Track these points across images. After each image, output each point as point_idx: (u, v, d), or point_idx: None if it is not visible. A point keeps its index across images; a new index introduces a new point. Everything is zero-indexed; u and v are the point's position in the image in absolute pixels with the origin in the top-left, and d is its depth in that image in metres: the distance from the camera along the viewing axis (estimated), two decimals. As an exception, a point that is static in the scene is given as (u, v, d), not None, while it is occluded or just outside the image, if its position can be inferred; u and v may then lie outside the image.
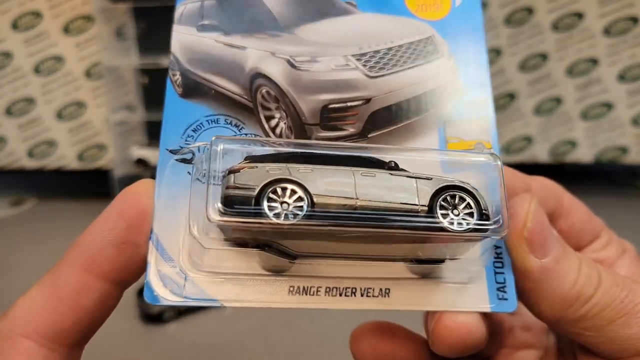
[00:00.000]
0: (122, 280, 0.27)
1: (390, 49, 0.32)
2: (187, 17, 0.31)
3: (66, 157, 2.30)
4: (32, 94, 2.22)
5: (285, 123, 0.30)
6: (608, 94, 2.23)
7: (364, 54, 0.31)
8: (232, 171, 0.25)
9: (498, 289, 0.29)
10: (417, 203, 0.27)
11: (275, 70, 0.30)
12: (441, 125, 0.31)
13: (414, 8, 0.32)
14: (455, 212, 0.27)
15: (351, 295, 0.28)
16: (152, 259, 0.27)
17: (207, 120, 0.29)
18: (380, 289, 0.28)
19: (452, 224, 0.27)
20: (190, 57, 0.31)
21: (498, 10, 2.15)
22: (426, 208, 0.27)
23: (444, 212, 0.27)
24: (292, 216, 0.25)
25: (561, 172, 2.68)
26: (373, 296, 0.28)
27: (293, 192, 0.25)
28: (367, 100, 0.31)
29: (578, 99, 2.23)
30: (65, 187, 2.53)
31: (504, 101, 2.24)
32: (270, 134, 0.30)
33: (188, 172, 0.28)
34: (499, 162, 0.30)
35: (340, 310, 0.27)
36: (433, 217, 0.27)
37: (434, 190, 0.27)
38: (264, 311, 1.39)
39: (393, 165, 0.27)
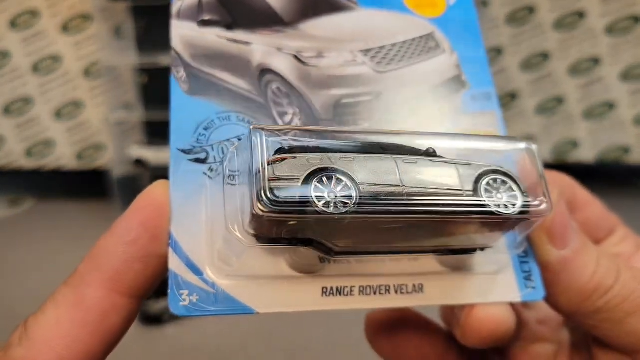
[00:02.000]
0: (146, 294, 0.26)
1: (394, 44, 0.32)
2: (186, 12, 0.30)
3: (64, 157, 2.30)
4: (30, 93, 2.22)
5: (299, 119, 0.29)
6: (610, 94, 2.22)
7: (370, 50, 0.31)
8: (270, 163, 0.23)
9: (525, 278, 0.29)
10: (462, 188, 0.26)
11: (284, 66, 0.29)
12: (450, 119, 0.32)
13: (411, 4, 0.32)
14: (499, 195, 0.27)
15: (385, 293, 0.27)
16: (174, 267, 0.25)
17: (218, 118, 0.27)
18: (414, 285, 0.27)
19: (498, 207, 0.26)
20: (194, 52, 0.30)
21: (499, 9, 2.14)
22: (471, 193, 0.27)
23: (489, 195, 0.27)
24: (342, 205, 0.23)
25: (563, 171, 2.67)
26: (407, 292, 0.27)
27: (339, 180, 0.24)
28: (378, 95, 0.31)
29: (580, 98, 2.23)
30: (64, 187, 2.52)
31: (505, 101, 2.24)
32: None
33: (204, 173, 0.26)
34: (534, 146, 0.30)
35: (362, 310, 0.26)
36: (480, 200, 0.26)
37: (476, 176, 0.27)
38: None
39: (431, 151, 0.27)
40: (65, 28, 2.16)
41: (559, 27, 2.16)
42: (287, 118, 0.29)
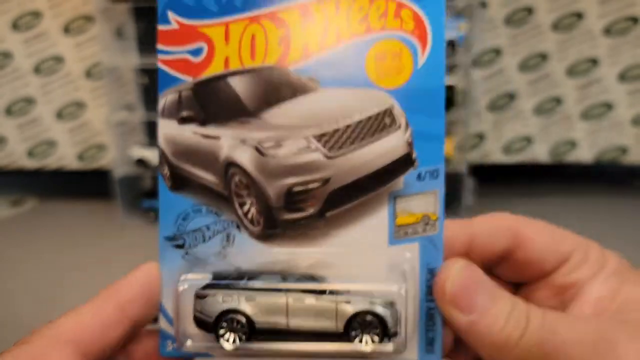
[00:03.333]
0: (140, 325, 0.32)
1: (349, 126, 0.33)
2: (169, 109, 0.33)
3: (66, 157, 2.31)
4: (32, 94, 2.23)
5: (255, 208, 0.33)
6: (608, 94, 2.23)
7: (324, 134, 0.33)
8: (198, 296, 0.32)
9: (427, 344, 0.33)
10: (334, 326, 0.32)
11: (245, 158, 0.33)
12: (392, 200, 0.33)
13: (374, 76, 0.32)
14: (366, 332, 0.32)
15: None
16: (162, 325, 0.33)
17: (192, 210, 0.32)
18: None
19: (363, 343, 0.32)
20: (174, 150, 0.34)
21: (498, 10, 2.15)
22: (342, 331, 0.32)
23: (356, 333, 0.32)
24: (238, 340, 0.32)
25: (561, 172, 2.69)
26: None
27: (238, 321, 0.32)
28: (326, 181, 0.33)
29: (578, 99, 2.24)
30: (65, 187, 2.53)
31: (503, 101, 2.25)
32: (244, 219, 0.33)
33: (182, 257, 0.32)
34: (403, 292, 0.33)
35: None
36: (347, 339, 0.32)
37: (348, 316, 0.32)
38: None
39: (319, 291, 0.32)
40: (67, 29, 2.17)
41: (557, 28, 2.17)
42: (245, 207, 0.33)
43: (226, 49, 0.32)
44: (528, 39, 2.18)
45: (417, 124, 0.32)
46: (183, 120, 0.33)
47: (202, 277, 0.32)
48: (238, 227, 0.32)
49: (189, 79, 0.32)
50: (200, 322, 0.32)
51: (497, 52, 2.20)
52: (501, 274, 0.36)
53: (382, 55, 0.32)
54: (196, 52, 0.32)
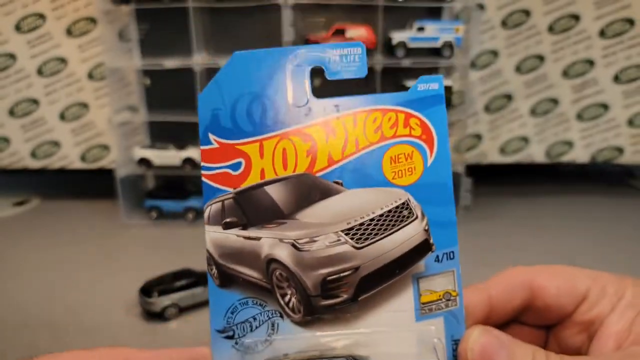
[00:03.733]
0: None
1: (372, 219, 0.38)
2: (213, 217, 0.37)
3: (69, 157, 2.33)
4: (36, 95, 2.25)
5: (295, 297, 0.36)
6: (604, 95, 2.25)
7: (351, 228, 0.37)
8: None
9: None
10: None
11: (284, 254, 0.36)
12: (415, 282, 0.37)
13: (390, 176, 0.37)
14: None
15: None
16: None
17: (239, 303, 0.36)
18: None
19: None
20: (221, 252, 0.37)
21: (495, 13, 2.17)
22: None
23: None
24: None
25: (557, 172, 2.70)
26: None
27: None
28: (356, 269, 0.36)
29: (574, 99, 2.26)
30: (68, 187, 2.55)
31: (500, 102, 2.27)
32: (286, 308, 0.36)
33: (232, 346, 0.36)
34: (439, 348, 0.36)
35: None
36: None
37: None
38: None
39: None
40: (70, 31, 2.19)
41: (553, 29, 2.19)
42: (287, 298, 0.37)
43: (261, 162, 0.36)
44: (525, 40, 2.20)
45: (431, 214, 0.37)
46: (227, 226, 0.37)
47: None
48: (281, 315, 0.36)
49: (230, 190, 0.36)
50: None
51: (494, 53, 2.22)
52: (526, 321, 0.39)
53: (396, 157, 0.37)
54: (235, 167, 0.36)
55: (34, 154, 2.32)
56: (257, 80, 0.36)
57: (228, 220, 0.37)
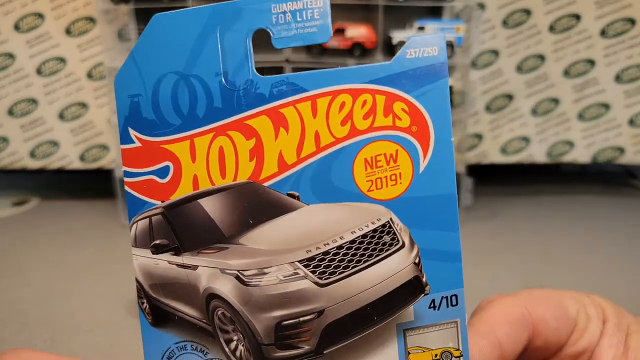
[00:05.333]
0: None
1: (340, 247, 0.28)
2: (141, 238, 0.29)
3: (68, 157, 2.32)
4: (34, 94, 2.24)
5: (243, 345, 0.28)
6: (605, 95, 2.25)
7: (312, 259, 0.28)
8: None
9: None
10: None
11: (226, 289, 0.28)
12: (401, 335, 0.28)
13: (365, 187, 0.27)
14: None
15: None
16: None
17: (177, 347, 0.29)
18: None
19: None
20: (151, 282, 0.30)
21: (496, 12, 2.17)
22: None
23: None
24: None
25: (558, 172, 2.70)
26: None
27: None
28: (320, 313, 0.28)
29: (575, 99, 2.25)
30: (67, 187, 2.55)
31: (501, 102, 2.26)
32: (232, 357, 0.29)
33: None
34: None
35: None
36: None
37: None
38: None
39: None
40: (69, 30, 2.18)
41: (554, 29, 2.19)
42: (233, 345, 0.29)
43: (193, 166, 0.28)
44: (525, 39, 2.20)
45: (426, 241, 0.27)
46: (156, 249, 0.30)
47: None
48: None
49: (158, 203, 0.28)
50: None
51: (495, 53, 2.21)
52: (525, 358, 0.34)
53: (373, 160, 0.27)
54: (162, 173, 0.28)
55: (33, 154, 2.32)
56: (182, 53, 0.27)
57: (157, 242, 0.29)
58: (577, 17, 2.17)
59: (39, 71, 2.22)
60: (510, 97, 2.26)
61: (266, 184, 0.27)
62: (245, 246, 0.29)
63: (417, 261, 0.28)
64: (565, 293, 0.34)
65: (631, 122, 2.27)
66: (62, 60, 2.21)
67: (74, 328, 1.40)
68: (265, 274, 0.28)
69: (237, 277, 0.28)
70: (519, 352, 0.32)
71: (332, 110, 0.27)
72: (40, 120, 2.27)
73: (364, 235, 0.29)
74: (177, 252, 0.29)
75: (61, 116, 2.27)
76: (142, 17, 2.09)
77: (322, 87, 0.26)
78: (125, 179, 0.28)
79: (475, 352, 0.29)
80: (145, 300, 0.30)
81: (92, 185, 2.47)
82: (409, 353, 0.27)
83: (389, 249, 0.29)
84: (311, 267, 0.28)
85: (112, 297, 1.52)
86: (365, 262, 0.28)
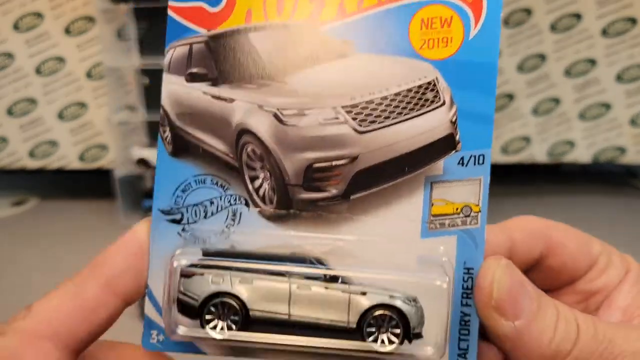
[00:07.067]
0: (131, 301, 0.30)
1: (385, 97, 0.29)
2: (176, 64, 0.29)
3: (67, 157, 2.31)
4: (34, 94, 2.24)
5: (268, 184, 0.28)
6: (606, 95, 2.24)
7: (355, 105, 0.28)
8: (183, 274, 0.28)
9: (459, 355, 0.28)
10: (346, 321, 0.27)
11: (262, 126, 0.28)
12: (428, 186, 0.28)
13: (418, 45, 0.28)
14: (382, 330, 0.27)
15: None
16: (148, 312, 0.29)
17: (195, 180, 0.28)
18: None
19: (378, 343, 0.27)
20: (179, 111, 0.29)
21: (497, 11, 2.16)
22: (354, 326, 0.27)
23: (371, 330, 0.27)
24: (227, 329, 0.27)
25: (559, 172, 2.70)
26: None
27: (230, 306, 0.27)
28: (353, 159, 0.28)
29: (576, 99, 2.25)
30: (67, 187, 2.54)
31: (502, 101, 2.26)
32: (254, 195, 0.29)
33: (178, 233, 0.29)
34: (445, 286, 0.28)
35: None
36: (360, 336, 0.27)
37: (364, 309, 0.27)
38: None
39: (329, 278, 0.27)
40: (68, 30, 2.17)
41: (555, 28, 2.18)
42: (257, 182, 0.29)
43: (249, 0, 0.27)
44: (526, 39, 2.19)
45: (464, 102, 0.28)
46: (192, 78, 0.29)
47: (195, 253, 0.28)
48: (247, 203, 0.28)
49: (203, 31, 0.28)
50: (184, 306, 0.28)
51: (495, 52, 2.21)
52: (539, 279, 0.33)
53: (429, 21, 0.28)
54: (214, 1, 0.28)
55: (32, 154, 2.31)
56: None
57: (195, 70, 0.29)
58: (578, 16, 2.16)
59: (38, 71, 2.21)
60: (510, 96, 2.25)
61: (323, 28, 0.28)
62: (288, 85, 0.29)
63: (454, 120, 0.29)
64: (593, 238, 0.34)
65: (632, 122, 2.26)
66: (61, 59, 2.20)
67: (72, 329, 1.39)
68: (305, 115, 0.28)
69: (275, 115, 0.28)
70: (531, 263, 0.32)
71: None
72: (39, 120, 2.27)
73: (409, 90, 0.29)
74: (215, 83, 0.29)
75: (60, 116, 2.26)
76: (142, 16, 2.08)
77: None
78: (170, 3, 0.28)
79: (490, 235, 0.29)
80: (167, 129, 0.30)
81: (91, 185, 2.47)
82: (433, 204, 0.28)
83: (430, 106, 0.30)
84: (353, 113, 0.28)
85: (111, 298, 1.52)
86: (405, 115, 0.29)
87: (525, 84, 2.23)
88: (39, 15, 2.16)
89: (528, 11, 2.17)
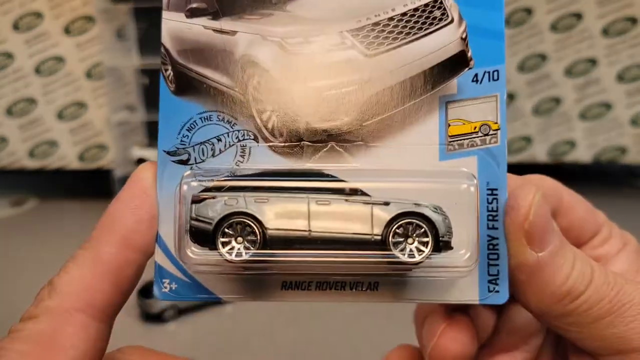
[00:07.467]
0: (151, 252, 0.29)
1: (391, 18, 0.28)
2: (175, 1, 0.28)
3: (67, 157, 2.31)
4: (33, 94, 2.23)
5: (277, 115, 0.27)
6: (607, 94, 2.24)
7: (361, 28, 0.28)
8: (194, 201, 0.26)
9: (490, 282, 0.28)
10: (370, 233, 0.26)
11: (267, 56, 0.27)
12: (443, 107, 0.28)
13: None
14: (410, 240, 0.26)
15: (341, 289, 0.27)
16: (159, 259, 0.28)
17: (200, 118, 0.28)
18: (369, 283, 0.27)
19: (406, 254, 0.26)
20: (180, 48, 0.29)
21: (497, 11, 2.16)
22: (379, 237, 0.26)
23: (397, 240, 0.26)
24: (245, 251, 0.26)
25: (560, 172, 2.69)
26: (362, 290, 0.27)
27: (247, 226, 0.26)
28: (364, 84, 0.27)
29: (577, 99, 2.25)
30: (66, 187, 2.54)
31: (503, 101, 2.25)
32: (263, 129, 0.28)
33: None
34: (473, 189, 0.27)
35: (335, 306, 0.27)
36: (385, 248, 0.26)
37: (388, 219, 0.26)
38: (264, 309, 1.40)
39: (349, 191, 0.26)
40: (68, 30, 2.17)
41: (556, 28, 2.18)
42: (265, 115, 0.28)
43: None
44: (527, 39, 2.19)
45: (473, 18, 0.28)
46: (192, 13, 0.28)
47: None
48: (255, 138, 0.27)
49: None
50: (197, 233, 0.26)
51: (496, 52, 2.20)
52: None
53: None
54: None
55: (31, 154, 2.31)
56: None
57: (194, 5, 0.28)
58: (579, 16, 2.16)
59: (37, 70, 2.21)
60: (511, 96, 2.25)
61: None
62: (291, 13, 0.28)
63: (464, 36, 0.28)
64: (596, 209, 0.35)
65: (633, 122, 2.26)
66: (60, 59, 2.20)
67: (72, 329, 1.39)
68: (310, 42, 0.27)
69: (280, 45, 0.27)
70: None
71: None
72: (39, 120, 2.26)
73: (416, 9, 0.29)
74: (216, 17, 0.28)
75: (60, 116, 2.26)
76: (141, 16, 2.08)
77: None
78: None
79: (510, 180, 0.29)
80: (169, 67, 0.29)
81: (90, 185, 2.46)
82: (449, 125, 0.27)
83: (438, 24, 0.29)
84: (359, 37, 0.27)
85: (110, 298, 1.51)
86: (414, 35, 0.29)
87: (526, 84, 2.23)
88: (38, 15, 2.16)
89: (528, 11, 2.16)
